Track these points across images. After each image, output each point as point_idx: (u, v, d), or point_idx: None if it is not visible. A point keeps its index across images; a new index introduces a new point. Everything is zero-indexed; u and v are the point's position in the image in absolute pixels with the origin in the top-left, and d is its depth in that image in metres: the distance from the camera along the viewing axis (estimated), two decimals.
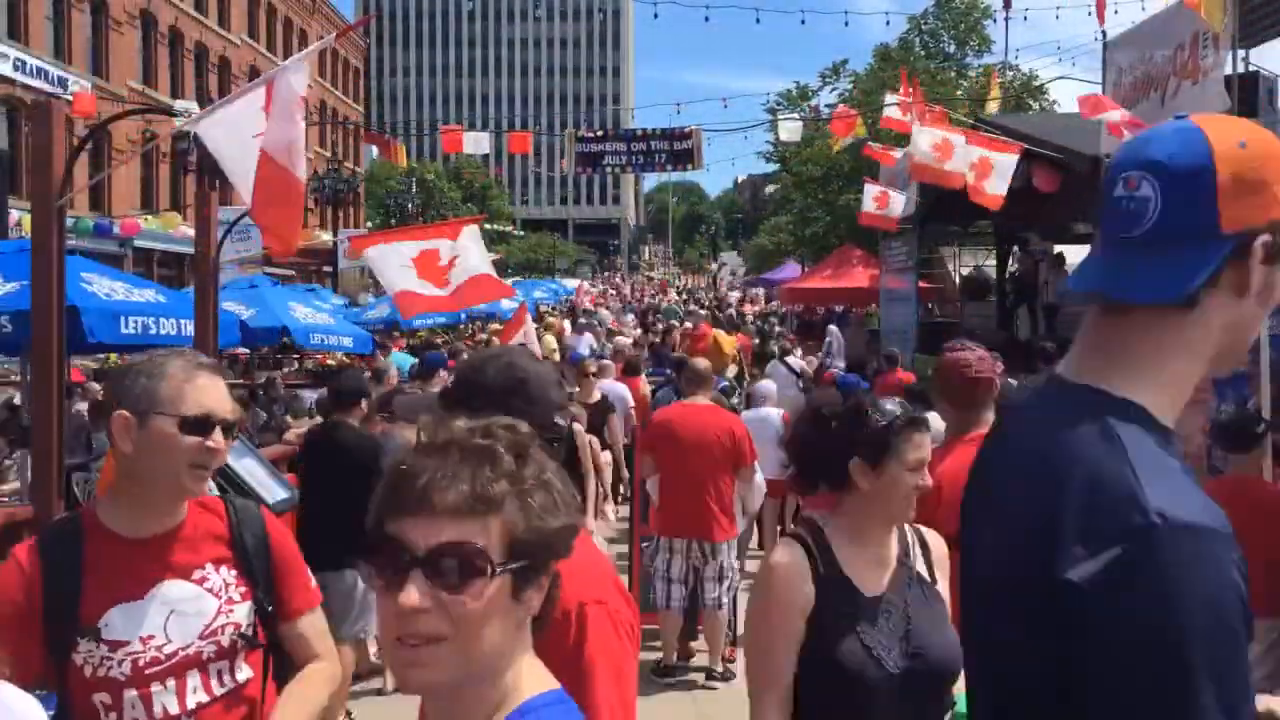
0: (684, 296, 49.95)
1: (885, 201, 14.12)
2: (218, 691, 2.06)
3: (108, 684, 1.96)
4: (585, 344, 15.73)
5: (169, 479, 2.03)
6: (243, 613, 2.12)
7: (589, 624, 1.64)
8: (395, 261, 7.52)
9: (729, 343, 14.66)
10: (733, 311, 29.64)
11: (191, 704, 2.02)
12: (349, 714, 5.50)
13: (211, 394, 2.06)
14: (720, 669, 6.24)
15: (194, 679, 2.03)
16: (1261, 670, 4.80)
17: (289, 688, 2.20)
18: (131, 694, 1.97)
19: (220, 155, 4.83)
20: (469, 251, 7.55)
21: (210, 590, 2.09)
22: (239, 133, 4.75)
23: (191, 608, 2.05)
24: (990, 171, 10.41)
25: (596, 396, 9.33)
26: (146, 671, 1.98)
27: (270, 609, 2.16)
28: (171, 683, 2.01)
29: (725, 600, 6.19)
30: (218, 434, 2.04)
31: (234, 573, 2.13)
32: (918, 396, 8.45)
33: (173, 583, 2.05)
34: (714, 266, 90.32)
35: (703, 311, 26.94)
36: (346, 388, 6.06)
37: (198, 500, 2.16)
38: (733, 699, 6.02)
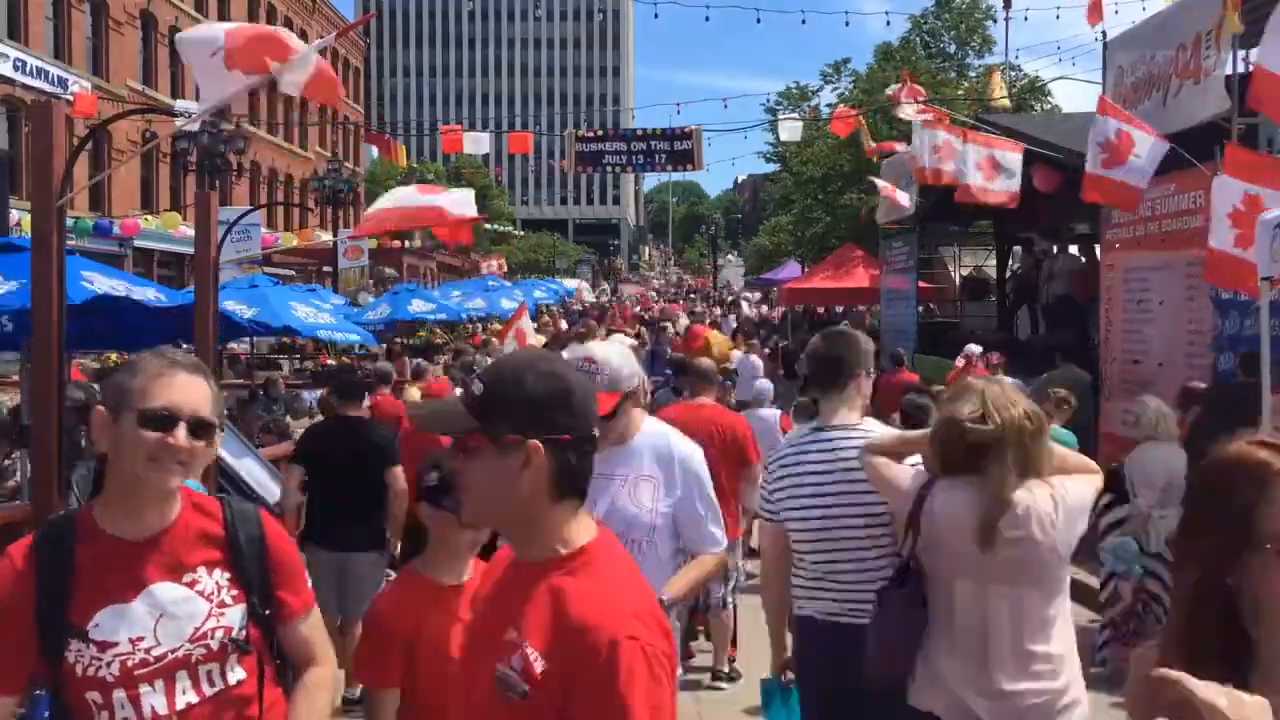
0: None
1: (894, 198, 14.13)
2: (208, 693, 2.06)
3: (98, 684, 1.97)
4: None
5: (133, 475, 2.02)
6: (235, 616, 2.10)
7: (620, 662, 1.52)
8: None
9: (722, 343, 14.67)
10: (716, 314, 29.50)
11: (180, 705, 2.02)
12: None
13: (180, 391, 2.02)
14: (725, 668, 6.24)
15: (183, 681, 2.03)
16: None
17: (295, 702, 2.20)
18: (120, 694, 1.98)
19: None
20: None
21: (201, 593, 2.07)
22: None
23: (181, 610, 2.04)
24: (998, 171, 10.38)
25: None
26: (135, 673, 1.98)
27: (267, 612, 2.15)
28: (160, 684, 2.01)
29: (730, 600, 6.19)
30: (180, 430, 1.99)
31: (227, 575, 2.11)
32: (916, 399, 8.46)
33: (163, 585, 2.04)
34: (723, 260, 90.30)
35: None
36: (349, 383, 6.48)
37: (192, 501, 2.14)
38: (735, 698, 6.03)
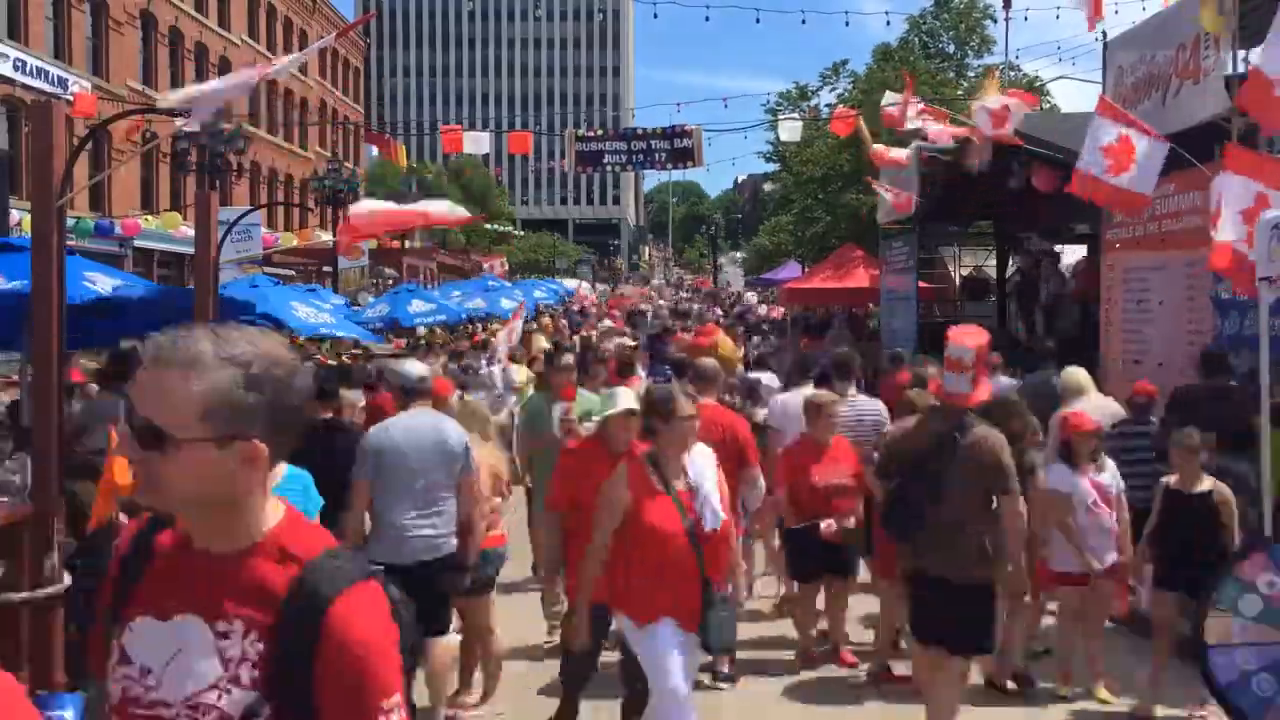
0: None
1: (898, 195, 14.15)
2: None
3: (110, 698, 1.76)
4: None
5: None
6: (238, 702, 1.60)
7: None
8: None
9: (730, 345, 14.57)
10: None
11: None
12: None
13: (135, 394, 1.63)
14: (725, 669, 6.23)
15: None
16: None
17: None
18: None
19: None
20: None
21: (221, 654, 1.63)
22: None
23: (195, 662, 1.63)
24: (1005, 123, 10.15)
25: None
26: (128, 709, 1.68)
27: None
28: None
29: None
30: (135, 442, 1.61)
31: (259, 646, 1.61)
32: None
33: (194, 622, 1.65)
34: (722, 260, 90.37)
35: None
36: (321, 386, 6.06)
37: (279, 541, 1.67)
38: (735, 698, 6.02)
